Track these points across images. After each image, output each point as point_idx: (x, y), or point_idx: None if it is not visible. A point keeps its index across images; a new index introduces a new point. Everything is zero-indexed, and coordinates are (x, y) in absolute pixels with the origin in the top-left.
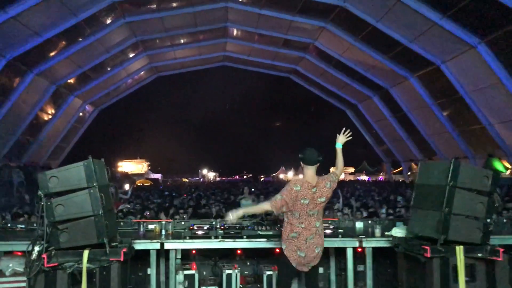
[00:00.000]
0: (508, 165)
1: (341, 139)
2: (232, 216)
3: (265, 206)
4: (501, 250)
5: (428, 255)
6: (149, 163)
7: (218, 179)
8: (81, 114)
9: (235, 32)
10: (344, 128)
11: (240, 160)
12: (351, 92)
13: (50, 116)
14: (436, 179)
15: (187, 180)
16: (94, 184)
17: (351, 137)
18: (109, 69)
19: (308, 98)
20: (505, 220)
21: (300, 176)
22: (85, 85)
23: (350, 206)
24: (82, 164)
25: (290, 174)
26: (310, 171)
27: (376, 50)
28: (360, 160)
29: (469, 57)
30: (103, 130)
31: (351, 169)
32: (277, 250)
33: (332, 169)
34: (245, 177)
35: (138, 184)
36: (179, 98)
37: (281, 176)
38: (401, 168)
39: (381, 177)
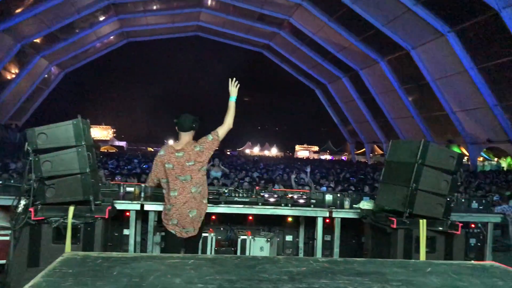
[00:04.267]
0: (466, 152)
1: (234, 92)
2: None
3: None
4: (460, 224)
5: (394, 226)
6: (114, 130)
7: None
8: (46, 75)
9: (209, 2)
10: (229, 79)
11: (207, 132)
12: (322, 72)
13: (14, 76)
14: (405, 156)
15: (152, 150)
16: (83, 143)
17: (238, 85)
18: (78, 31)
19: (279, 74)
20: (463, 200)
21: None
22: (52, 46)
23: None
24: (72, 122)
25: (256, 150)
26: (182, 137)
27: (349, 32)
28: (325, 139)
29: (438, 45)
30: (69, 94)
31: (315, 148)
32: (250, 218)
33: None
34: None
35: (103, 151)
36: (148, 66)
37: (247, 151)
38: (364, 149)
39: (344, 157)
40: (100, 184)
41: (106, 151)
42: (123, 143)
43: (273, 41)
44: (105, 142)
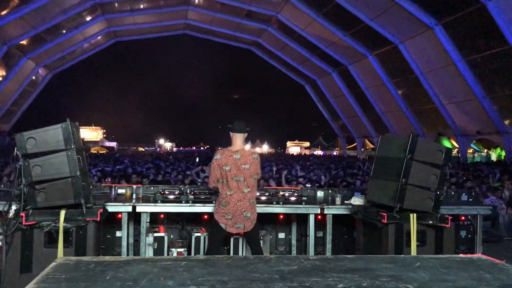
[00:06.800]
0: (456, 144)
1: None
2: None
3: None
4: (450, 217)
5: (385, 221)
6: (104, 131)
7: (175, 149)
8: (34, 77)
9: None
10: None
11: (198, 131)
12: (311, 68)
13: (0, 78)
14: (394, 152)
15: (143, 149)
16: (72, 146)
17: None
18: (64, 31)
19: (268, 71)
20: (452, 193)
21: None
22: (39, 47)
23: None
24: (60, 126)
25: (247, 147)
26: (237, 139)
27: (337, 27)
28: (316, 134)
29: (426, 38)
30: (57, 95)
31: (307, 144)
32: None
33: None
34: (202, 148)
35: (93, 152)
36: (137, 65)
37: None
38: (355, 144)
39: (335, 152)
40: (91, 187)
41: (96, 152)
42: (113, 144)
43: (262, 37)
44: (95, 143)
